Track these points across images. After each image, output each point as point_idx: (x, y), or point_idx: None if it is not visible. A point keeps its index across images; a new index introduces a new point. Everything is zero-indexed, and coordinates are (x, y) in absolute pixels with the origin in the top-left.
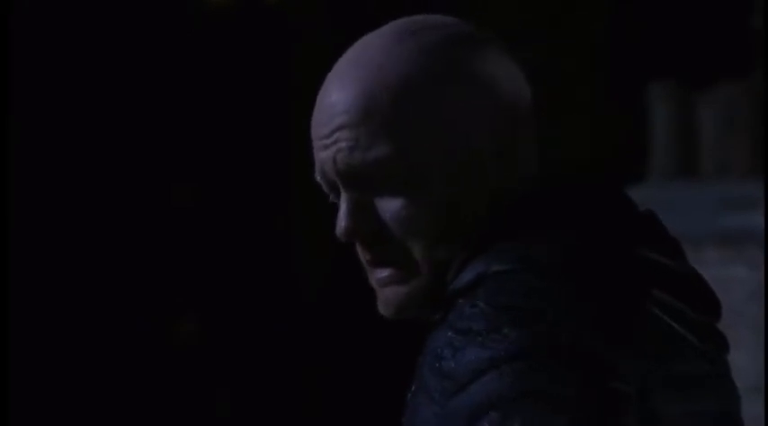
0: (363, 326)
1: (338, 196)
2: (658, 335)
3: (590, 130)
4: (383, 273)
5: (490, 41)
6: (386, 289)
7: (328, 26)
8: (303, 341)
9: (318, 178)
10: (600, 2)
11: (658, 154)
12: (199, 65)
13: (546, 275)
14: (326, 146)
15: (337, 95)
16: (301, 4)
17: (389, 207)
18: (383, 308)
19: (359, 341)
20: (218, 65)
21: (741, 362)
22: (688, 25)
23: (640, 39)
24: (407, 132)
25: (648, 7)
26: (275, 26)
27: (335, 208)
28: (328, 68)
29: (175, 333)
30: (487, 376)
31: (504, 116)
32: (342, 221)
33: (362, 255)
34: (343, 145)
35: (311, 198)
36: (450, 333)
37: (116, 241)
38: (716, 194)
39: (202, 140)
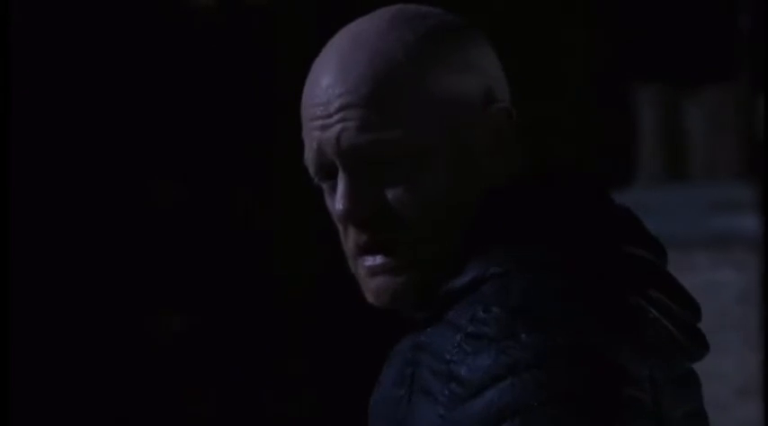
0: (347, 325)
1: (329, 179)
2: (659, 336)
3: (578, 134)
4: (375, 261)
5: (477, 32)
6: (377, 278)
7: (313, 26)
8: (285, 341)
9: (310, 159)
10: (591, 5)
11: (646, 156)
12: (182, 66)
13: (547, 277)
14: (328, 126)
15: (337, 76)
16: (287, 4)
17: (390, 189)
18: (373, 297)
19: (342, 339)
20: (200, 66)
21: (728, 365)
22: (676, 28)
23: (629, 43)
24: (412, 115)
25: (637, 11)
26: (260, 26)
27: (321, 192)
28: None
29: (161, 333)
30: (505, 382)
31: (494, 106)
32: (341, 202)
33: (355, 240)
34: (349, 124)
35: (295, 197)
36: (459, 336)
37: (103, 241)
38: (704, 196)
39: (187, 141)
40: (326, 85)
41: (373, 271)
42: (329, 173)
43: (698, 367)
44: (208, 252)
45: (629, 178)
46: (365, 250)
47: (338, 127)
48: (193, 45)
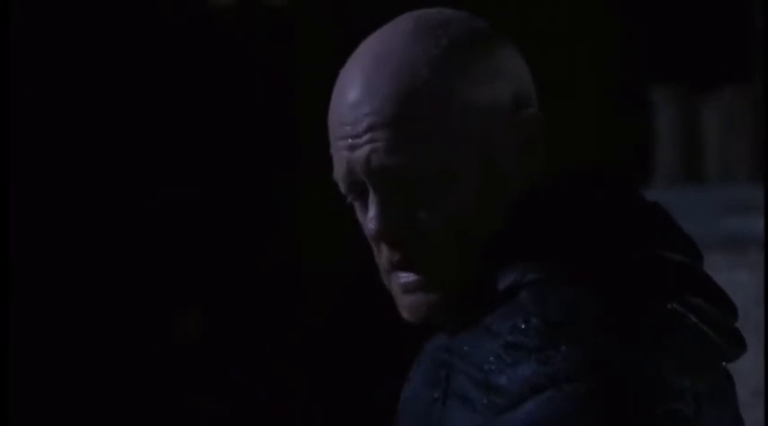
0: (364, 327)
1: (360, 197)
2: (699, 345)
3: (594, 134)
4: (409, 278)
5: (503, 36)
6: (411, 295)
7: (330, 26)
8: (302, 341)
9: (340, 177)
10: (605, 5)
11: (662, 157)
12: (201, 65)
13: (586, 286)
14: (358, 146)
15: (363, 95)
16: (303, 5)
17: (421, 208)
18: (408, 313)
19: (359, 341)
20: (222, 65)
21: (744, 366)
22: (691, 28)
23: (644, 42)
24: (440, 133)
25: (652, 10)
26: (277, 26)
27: (353, 208)
28: (330, 69)
29: (176, 332)
30: (545, 394)
31: (523, 113)
32: (374, 222)
33: (388, 257)
34: (378, 145)
35: (314, 197)
36: (497, 346)
37: (120, 240)
38: (720, 198)
39: (206, 140)
40: (353, 104)
41: (406, 288)
42: (360, 191)
43: None
44: (218, 254)
45: (644, 179)
46: (398, 267)
47: (367, 148)
48: (209, 46)
